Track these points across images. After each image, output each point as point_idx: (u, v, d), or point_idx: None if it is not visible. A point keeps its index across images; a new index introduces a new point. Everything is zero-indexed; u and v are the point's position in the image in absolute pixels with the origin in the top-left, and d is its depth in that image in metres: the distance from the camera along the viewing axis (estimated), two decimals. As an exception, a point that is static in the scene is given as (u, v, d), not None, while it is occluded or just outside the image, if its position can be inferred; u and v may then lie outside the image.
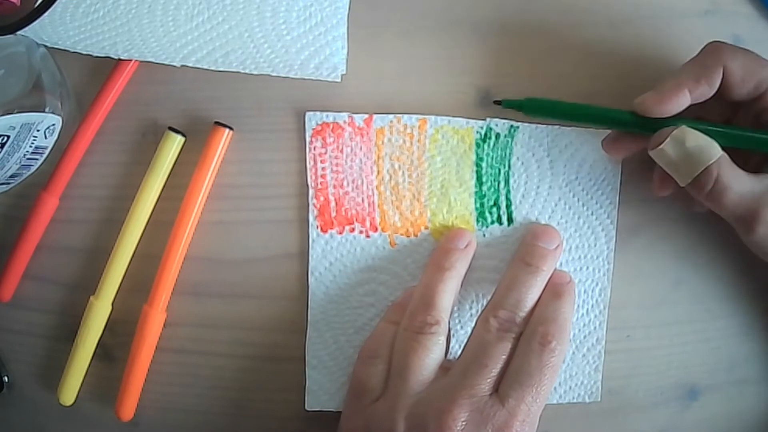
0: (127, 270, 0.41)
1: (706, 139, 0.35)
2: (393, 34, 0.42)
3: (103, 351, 0.41)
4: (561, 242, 0.40)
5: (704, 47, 0.37)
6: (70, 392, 0.41)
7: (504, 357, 0.36)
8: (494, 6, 0.42)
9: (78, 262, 0.41)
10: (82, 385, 0.41)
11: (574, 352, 0.42)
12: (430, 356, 0.37)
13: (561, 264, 0.42)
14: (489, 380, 0.36)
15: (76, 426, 0.42)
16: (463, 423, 0.34)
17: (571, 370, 0.42)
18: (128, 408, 0.40)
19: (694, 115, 0.37)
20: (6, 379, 0.41)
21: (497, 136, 0.42)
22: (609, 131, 0.40)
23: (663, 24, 0.43)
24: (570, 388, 0.42)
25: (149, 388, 0.41)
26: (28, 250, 0.41)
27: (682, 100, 0.36)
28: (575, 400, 0.42)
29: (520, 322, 0.37)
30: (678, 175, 0.36)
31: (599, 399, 0.42)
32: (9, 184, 0.40)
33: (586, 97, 0.41)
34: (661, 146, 0.36)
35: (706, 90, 0.36)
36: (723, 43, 0.37)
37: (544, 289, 0.38)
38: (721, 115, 0.39)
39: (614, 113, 0.38)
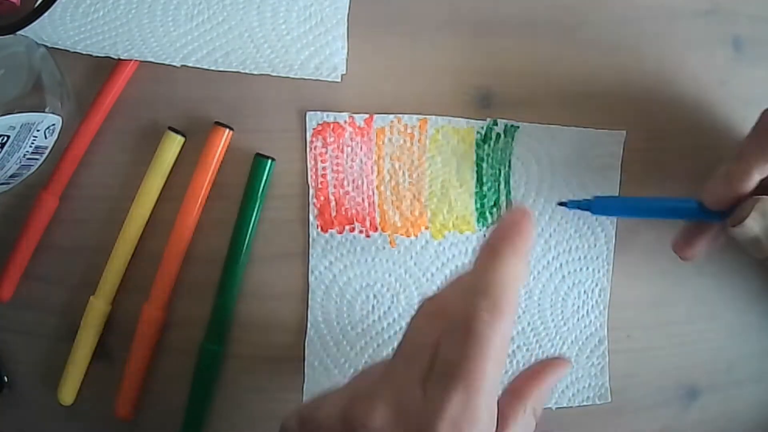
0: (127, 269, 0.41)
1: None
2: (393, 34, 0.42)
3: (103, 350, 0.41)
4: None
5: (761, 118, 0.35)
6: (70, 392, 0.41)
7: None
8: (494, 6, 0.42)
9: (78, 262, 0.41)
10: (82, 384, 0.41)
11: (577, 354, 0.42)
12: None
13: (561, 265, 0.42)
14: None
15: (76, 426, 0.42)
16: None
17: (577, 373, 0.42)
18: (128, 408, 0.40)
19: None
20: (6, 379, 0.41)
21: (497, 136, 0.42)
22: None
23: (663, 24, 0.43)
24: (578, 390, 0.42)
25: (149, 388, 0.41)
26: (28, 250, 0.41)
27: (750, 184, 0.34)
28: (585, 403, 0.42)
29: None
30: (761, 249, 0.34)
31: (609, 400, 0.42)
32: (9, 184, 0.40)
33: (586, 98, 0.41)
34: (744, 222, 0.33)
35: None
36: None
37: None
38: None
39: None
